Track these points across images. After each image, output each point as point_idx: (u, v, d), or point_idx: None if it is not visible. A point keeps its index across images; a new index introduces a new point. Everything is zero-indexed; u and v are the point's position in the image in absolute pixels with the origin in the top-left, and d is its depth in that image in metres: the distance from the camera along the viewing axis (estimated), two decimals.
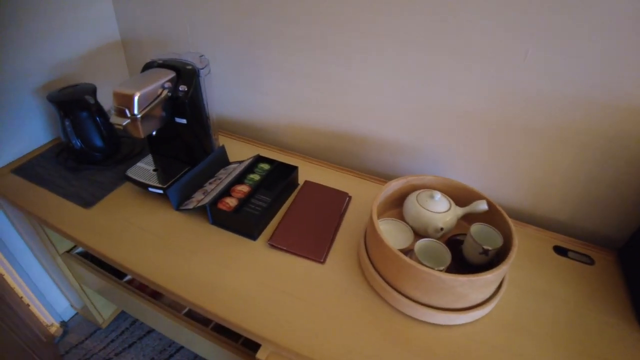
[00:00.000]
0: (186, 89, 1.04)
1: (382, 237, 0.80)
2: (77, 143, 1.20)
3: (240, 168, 1.18)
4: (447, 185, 1.00)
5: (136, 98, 0.96)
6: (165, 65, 1.07)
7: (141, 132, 0.99)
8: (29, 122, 1.30)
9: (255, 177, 1.15)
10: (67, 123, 1.18)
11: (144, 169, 1.17)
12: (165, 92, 1.02)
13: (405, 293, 0.81)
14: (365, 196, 1.16)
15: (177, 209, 1.09)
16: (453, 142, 1.11)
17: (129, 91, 0.96)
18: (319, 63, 1.17)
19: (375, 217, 0.86)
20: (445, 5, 0.92)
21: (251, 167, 1.19)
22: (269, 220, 1.06)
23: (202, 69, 1.08)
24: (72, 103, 1.15)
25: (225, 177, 1.16)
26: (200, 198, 1.08)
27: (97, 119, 1.17)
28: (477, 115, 1.03)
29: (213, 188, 1.10)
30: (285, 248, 0.97)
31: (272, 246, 0.99)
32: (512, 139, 1.02)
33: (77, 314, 1.72)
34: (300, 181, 1.21)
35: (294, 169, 1.18)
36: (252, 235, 1.01)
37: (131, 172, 1.16)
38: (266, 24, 1.17)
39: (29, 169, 1.25)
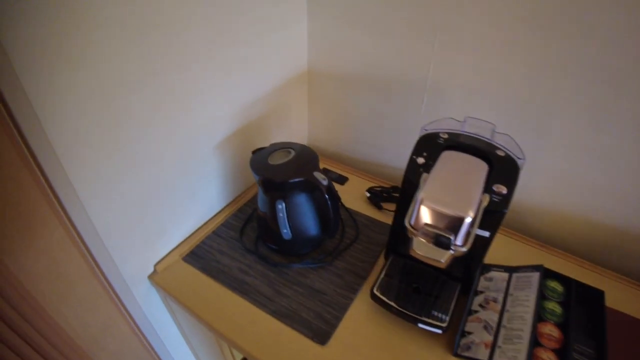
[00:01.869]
0: (505, 192, 0.67)
1: None
2: (287, 233, 0.84)
3: (518, 286, 0.82)
4: None
5: (468, 221, 0.60)
6: (461, 146, 0.75)
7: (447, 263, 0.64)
8: (204, 189, 0.98)
9: (554, 307, 0.80)
10: (279, 207, 0.82)
11: (395, 284, 0.84)
12: (487, 199, 0.65)
13: None
14: None
15: (457, 354, 0.74)
16: None
17: (457, 210, 0.61)
18: None
19: None
20: None
21: (540, 289, 0.82)
22: None
23: (521, 159, 0.71)
24: (298, 183, 0.81)
25: (496, 293, 0.84)
26: (485, 339, 0.74)
27: (329, 203, 0.79)
28: None
29: (490, 317, 0.78)
30: None
31: None
32: None
33: None
34: None
35: (598, 294, 0.81)
36: None
37: (380, 290, 0.80)
38: None
39: (204, 254, 0.95)
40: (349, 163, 1.26)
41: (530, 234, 1.03)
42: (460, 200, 0.64)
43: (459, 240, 0.63)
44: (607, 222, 0.94)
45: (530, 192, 0.98)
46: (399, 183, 1.14)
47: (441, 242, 0.63)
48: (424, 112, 1.03)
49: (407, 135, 1.08)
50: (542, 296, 0.82)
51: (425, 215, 0.64)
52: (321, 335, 0.78)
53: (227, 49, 0.86)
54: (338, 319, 0.81)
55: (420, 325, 0.78)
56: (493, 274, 0.90)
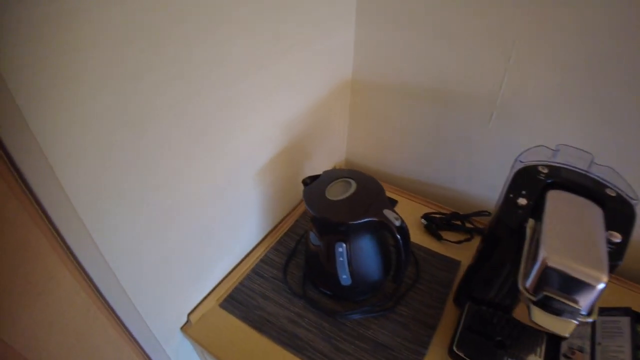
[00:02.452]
0: (619, 241, 0.54)
1: None
2: (347, 279, 0.71)
3: (607, 334, 0.71)
4: None
5: (601, 288, 0.47)
6: (566, 184, 0.61)
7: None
8: (243, 223, 0.85)
9: None
10: (339, 250, 0.69)
11: (475, 339, 0.71)
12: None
13: None
14: None
15: None
16: None
17: (589, 275, 0.48)
18: None
19: None
20: None
21: (634, 338, 0.70)
22: None
23: (635, 201, 0.58)
24: (365, 224, 0.68)
25: (580, 341, 0.71)
26: None
27: (401, 245, 0.66)
28: None
29: None
30: None
31: None
32: None
33: None
34: None
35: None
36: None
37: (462, 348, 0.67)
38: None
39: (244, 299, 0.82)
40: (395, 182, 1.13)
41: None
42: (590, 261, 0.50)
43: (584, 309, 0.50)
44: None
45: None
46: (456, 208, 1.02)
47: (566, 312, 0.50)
48: (491, 130, 0.89)
49: (469, 155, 0.94)
50: (637, 347, 0.70)
51: (548, 279, 0.51)
52: None
53: (276, 59, 0.72)
54: None
55: None
56: None
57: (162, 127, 0.55)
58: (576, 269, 0.50)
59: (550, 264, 0.51)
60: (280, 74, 0.76)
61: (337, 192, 0.71)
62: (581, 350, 0.71)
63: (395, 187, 1.10)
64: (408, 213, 1.00)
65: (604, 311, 0.75)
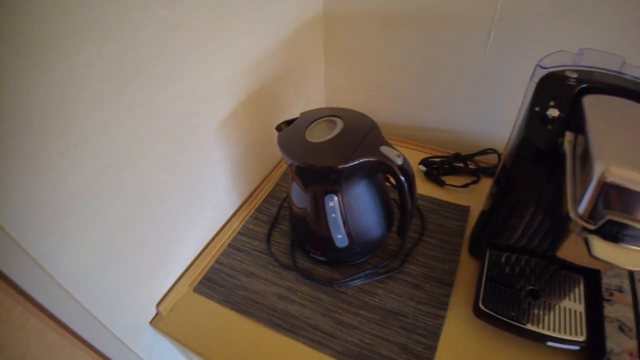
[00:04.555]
0: None
1: None
2: (343, 239, 0.58)
3: None
4: None
5: None
6: (604, 88, 0.49)
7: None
8: (210, 190, 0.70)
9: None
10: (330, 204, 0.56)
11: (503, 291, 0.60)
12: None
13: None
14: None
15: None
16: None
17: None
18: None
19: None
20: None
21: None
22: None
23: None
24: (360, 167, 0.54)
25: (618, 280, 0.61)
26: (626, 345, 0.53)
27: (406, 189, 0.53)
28: None
29: (622, 313, 0.56)
30: None
31: None
32: None
33: None
34: None
35: None
36: None
37: (489, 303, 0.56)
38: None
39: (223, 278, 0.69)
40: (385, 130, 0.98)
41: None
42: None
43: None
44: None
45: None
46: (459, 149, 0.88)
47: (637, 238, 0.38)
48: (489, 54, 0.76)
49: (468, 87, 0.81)
50: None
51: (609, 199, 0.39)
52: None
53: None
54: (432, 349, 0.57)
55: (550, 343, 0.54)
56: None
57: (87, 50, 0.40)
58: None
59: (611, 178, 0.38)
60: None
61: (320, 134, 0.57)
62: (620, 290, 0.61)
63: (387, 134, 0.96)
64: None
65: None
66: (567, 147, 0.46)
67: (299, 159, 0.54)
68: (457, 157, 0.83)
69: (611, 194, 0.39)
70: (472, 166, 0.84)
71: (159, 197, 0.57)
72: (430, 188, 0.82)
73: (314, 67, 0.94)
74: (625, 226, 0.39)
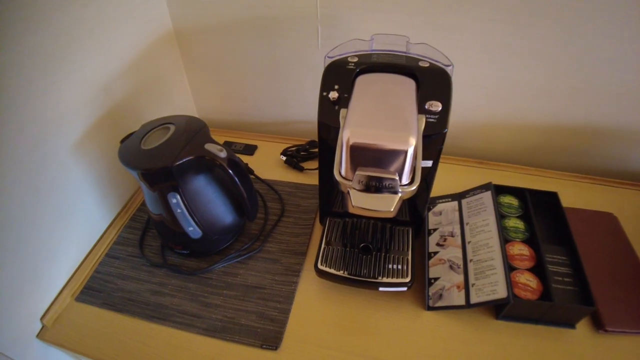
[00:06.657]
0: (440, 109, 0.55)
1: None
2: (195, 231, 0.66)
3: (472, 212, 0.74)
4: None
5: (411, 152, 0.47)
6: (376, 67, 0.60)
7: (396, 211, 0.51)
8: (77, 206, 0.75)
9: (516, 223, 0.72)
10: (173, 201, 0.63)
11: (339, 251, 0.71)
12: (423, 121, 0.53)
13: None
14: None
15: (430, 307, 0.64)
16: None
17: (395, 140, 0.47)
18: None
19: None
20: None
21: (496, 208, 0.74)
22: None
23: (449, 66, 0.59)
24: (188, 164, 0.62)
25: (450, 227, 0.74)
26: (455, 280, 0.65)
27: (237, 180, 0.62)
28: None
29: (453, 254, 0.69)
30: (630, 330, 0.61)
31: (608, 332, 0.62)
32: None
33: None
34: None
35: (552, 197, 0.75)
36: (572, 323, 0.63)
37: (326, 262, 0.68)
38: None
39: (102, 285, 0.74)
40: (253, 129, 1.08)
41: (466, 154, 0.94)
42: (395, 128, 0.49)
43: (404, 179, 0.50)
44: (539, 123, 0.87)
45: (459, 108, 0.87)
46: (315, 136, 0.98)
47: (385, 187, 0.49)
48: (323, 46, 0.86)
49: (311, 79, 0.91)
50: (500, 215, 0.73)
51: (358, 158, 0.49)
52: (271, 338, 0.63)
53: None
54: (286, 312, 0.66)
55: (382, 288, 0.65)
56: (441, 206, 0.79)
57: None
58: (381, 137, 0.48)
59: (354, 140, 0.48)
60: (77, 24, 0.66)
61: (153, 140, 0.64)
62: (452, 235, 0.72)
63: (253, 132, 1.05)
64: (269, 155, 0.96)
65: (468, 193, 0.77)
66: (341, 122, 0.56)
67: (134, 165, 0.61)
68: (312, 143, 0.93)
69: (358, 154, 0.49)
70: None
71: (17, 221, 0.62)
72: (291, 174, 0.91)
73: (176, 78, 1.00)
74: (374, 178, 0.49)
